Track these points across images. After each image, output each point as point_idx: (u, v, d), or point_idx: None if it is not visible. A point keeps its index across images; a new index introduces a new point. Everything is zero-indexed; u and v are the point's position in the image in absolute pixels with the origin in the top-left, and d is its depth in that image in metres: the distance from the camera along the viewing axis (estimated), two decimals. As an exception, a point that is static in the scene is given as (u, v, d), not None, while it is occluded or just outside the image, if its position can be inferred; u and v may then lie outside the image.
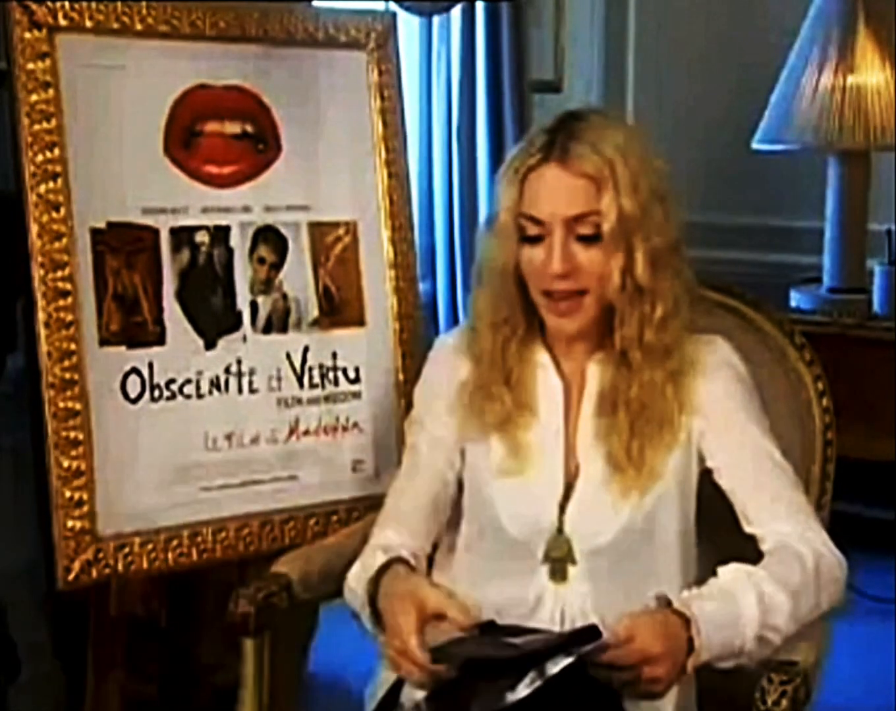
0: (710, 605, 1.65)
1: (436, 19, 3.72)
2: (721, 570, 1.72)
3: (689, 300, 1.82)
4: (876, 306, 3.40)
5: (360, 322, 2.41)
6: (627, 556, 1.79)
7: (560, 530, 1.80)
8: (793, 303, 3.52)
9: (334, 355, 2.36)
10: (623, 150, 1.75)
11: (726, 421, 1.81)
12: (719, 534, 1.88)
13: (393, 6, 3.33)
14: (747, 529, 1.80)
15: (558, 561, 1.80)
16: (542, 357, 1.86)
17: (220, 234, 2.28)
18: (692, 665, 1.62)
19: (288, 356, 2.32)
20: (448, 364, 1.91)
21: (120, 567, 2.14)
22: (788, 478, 1.81)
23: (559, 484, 1.81)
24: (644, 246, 1.74)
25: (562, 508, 1.80)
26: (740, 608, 1.66)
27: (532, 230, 1.76)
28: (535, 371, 1.85)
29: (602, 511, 1.78)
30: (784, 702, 1.63)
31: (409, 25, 3.58)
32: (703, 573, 1.79)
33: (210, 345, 2.25)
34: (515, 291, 1.82)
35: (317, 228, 2.38)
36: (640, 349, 1.78)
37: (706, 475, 1.85)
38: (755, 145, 3.50)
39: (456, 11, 3.68)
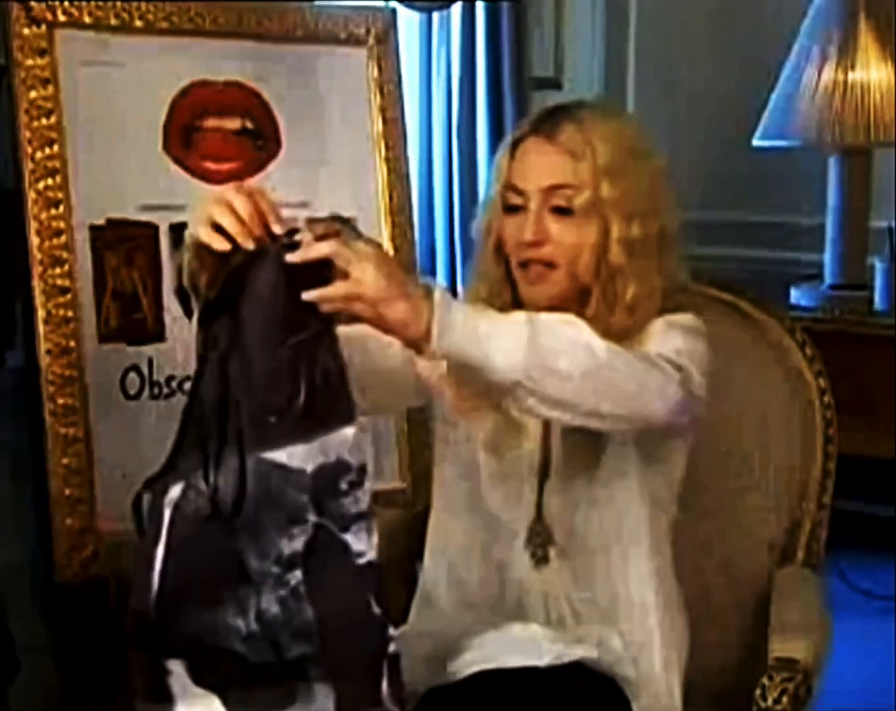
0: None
1: (436, 16, 3.71)
2: None
3: (669, 294, 1.80)
4: (877, 303, 3.40)
5: (360, 318, 2.40)
6: (605, 539, 1.77)
7: (539, 515, 1.79)
8: (793, 300, 3.52)
9: (334, 352, 2.35)
10: (611, 137, 1.76)
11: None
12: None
13: (393, 3, 3.32)
14: None
15: (539, 547, 1.79)
16: None
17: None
18: (437, 317, 1.48)
19: (287, 353, 2.32)
20: None
21: (119, 564, 2.14)
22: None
23: (536, 465, 1.80)
24: (621, 230, 1.74)
25: (540, 490, 1.79)
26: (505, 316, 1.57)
27: (514, 200, 1.77)
28: None
29: (576, 496, 1.77)
30: (784, 700, 1.63)
31: (409, 22, 3.58)
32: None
33: (210, 341, 2.25)
34: (501, 266, 1.82)
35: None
36: (608, 332, 1.72)
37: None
38: (756, 142, 3.49)
39: (456, 8, 3.68)
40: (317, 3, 2.66)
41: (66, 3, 2.15)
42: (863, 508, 3.60)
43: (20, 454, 2.39)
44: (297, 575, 1.43)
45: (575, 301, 1.79)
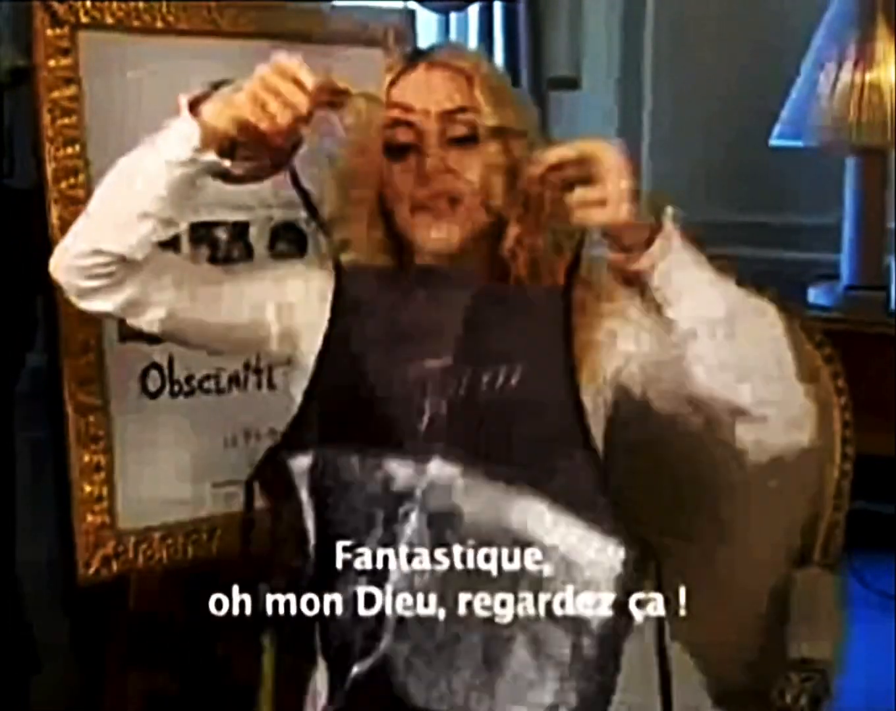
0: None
1: (453, 16, 3.72)
2: None
3: None
4: (893, 303, 3.40)
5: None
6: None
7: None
8: (810, 300, 3.52)
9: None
10: (483, 60, 1.72)
11: None
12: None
13: (411, 4, 3.33)
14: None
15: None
16: None
17: (239, 230, 2.29)
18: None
19: (306, 352, 2.32)
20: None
21: (140, 561, 2.15)
22: None
23: None
24: (524, 147, 1.63)
25: None
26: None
27: (402, 137, 1.63)
28: None
29: None
30: (803, 700, 1.64)
31: (427, 23, 3.58)
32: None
33: (229, 340, 2.26)
34: (383, 223, 1.68)
35: (336, 225, 2.38)
36: (531, 259, 1.65)
37: None
38: (773, 142, 3.50)
39: (473, 9, 3.69)
40: (334, 3, 2.67)
41: (89, 5, 2.16)
42: (882, 508, 3.59)
43: (41, 453, 2.41)
44: None
45: (490, 235, 1.66)
